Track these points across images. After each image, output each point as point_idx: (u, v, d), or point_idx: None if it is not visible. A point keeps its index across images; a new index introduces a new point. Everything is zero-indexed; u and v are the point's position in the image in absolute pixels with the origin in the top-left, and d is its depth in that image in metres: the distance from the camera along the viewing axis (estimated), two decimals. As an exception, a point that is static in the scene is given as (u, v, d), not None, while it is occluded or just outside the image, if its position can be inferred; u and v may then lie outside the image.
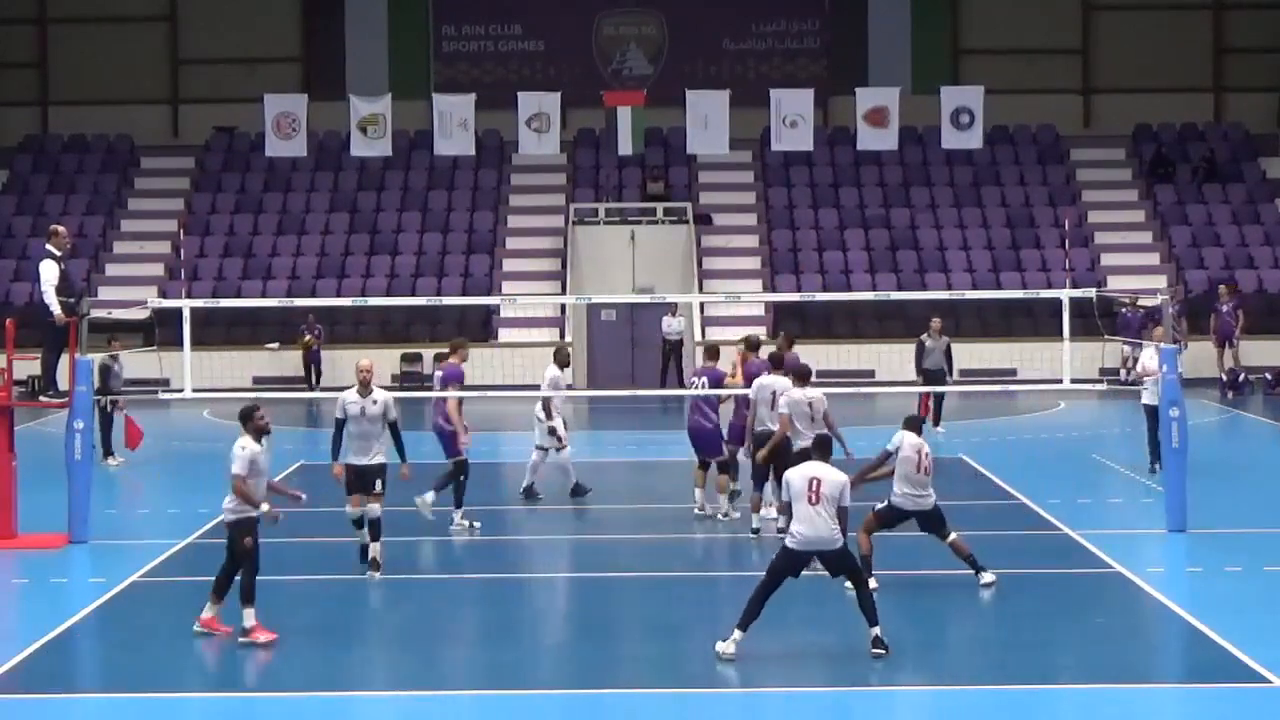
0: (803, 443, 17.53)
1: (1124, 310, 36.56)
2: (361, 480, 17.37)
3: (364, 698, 13.23)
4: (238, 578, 14.71)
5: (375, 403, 17.45)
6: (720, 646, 13.78)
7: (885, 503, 16.47)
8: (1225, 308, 37.03)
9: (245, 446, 14.89)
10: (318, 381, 37.84)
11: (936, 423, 28.32)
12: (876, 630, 13.91)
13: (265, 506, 14.85)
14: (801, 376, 18.76)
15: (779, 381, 18.90)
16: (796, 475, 14.17)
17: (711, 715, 12.90)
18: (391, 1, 47.13)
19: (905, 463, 16.29)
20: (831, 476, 14.12)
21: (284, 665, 14.19)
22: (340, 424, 17.49)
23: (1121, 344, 33.18)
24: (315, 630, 15.27)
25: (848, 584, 14.68)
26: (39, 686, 13.55)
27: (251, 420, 15.06)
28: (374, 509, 17.18)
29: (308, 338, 37.97)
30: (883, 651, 13.80)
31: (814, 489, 13.95)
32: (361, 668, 14.10)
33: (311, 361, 38.03)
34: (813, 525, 13.88)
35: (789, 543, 14.01)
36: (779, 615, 15.04)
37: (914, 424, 16.65)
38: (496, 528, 20.41)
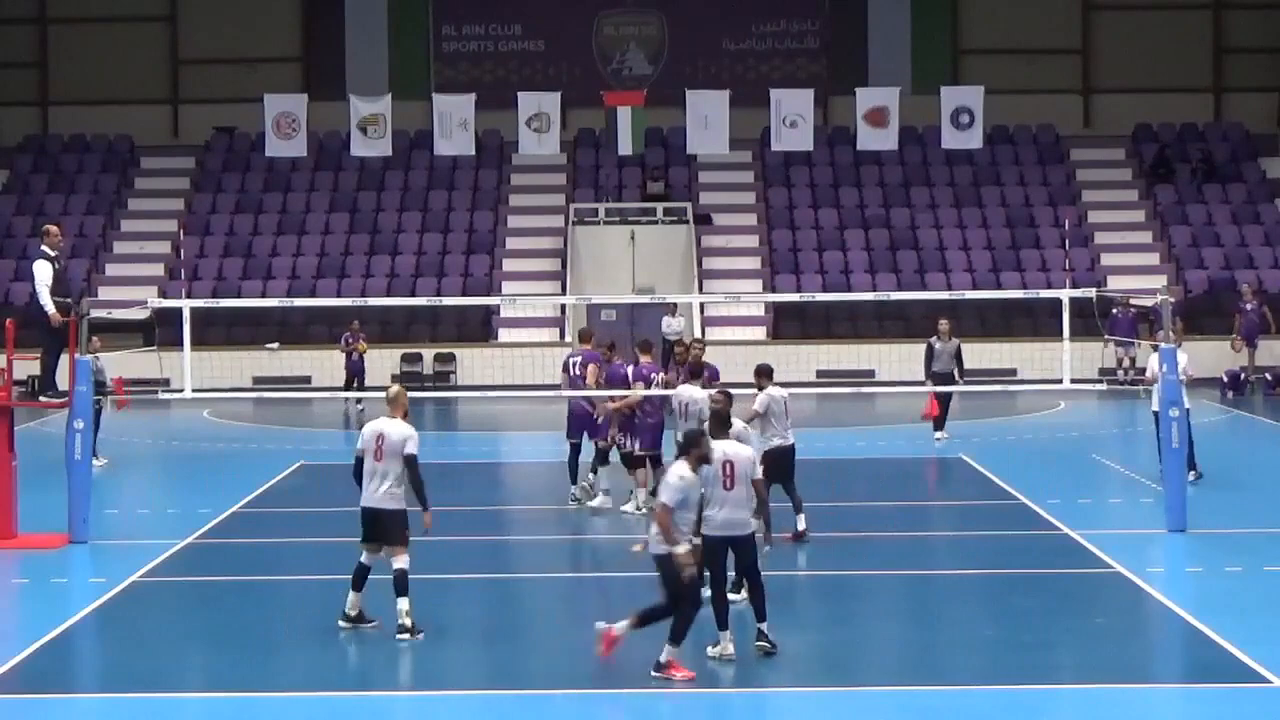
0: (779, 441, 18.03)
1: (1115, 311, 36.55)
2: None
3: (364, 698, 13.23)
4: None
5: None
6: (713, 651, 13.72)
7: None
8: (1249, 307, 36.99)
9: (683, 475, 13.30)
10: (360, 385, 33.04)
11: (940, 427, 28.18)
12: (764, 625, 13.84)
13: (683, 548, 13.15)
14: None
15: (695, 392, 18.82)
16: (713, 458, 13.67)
17: (711, 715, 12.89)
18: (391, 1, 47.13)
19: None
20: (743, 454, 13.93)
21: (284, 665, 14.19)
22: (360, 461, 14.96)
23: (1115, 344, 33.14)
24: (315, 630, 15.26)
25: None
26: (39, 686, 13.54)
27: (697, 447, 13.43)
28: (404, 560, 14.81)
29: (360, 344, 33.49)
30: (769, 647, 13.70)
31: (728, 473, 13.70)
32: (362, 668, 14.09)
33: (354, 373, 33.25)
34: (731, 509, 13.70)
35: (706, 530, 13.68)
36: (780, 615, 15.03)
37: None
38: (496, 528, 20.40)
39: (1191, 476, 22.13)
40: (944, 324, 28.39)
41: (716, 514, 13.69)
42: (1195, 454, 22.22)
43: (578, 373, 21.26)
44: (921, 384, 28.68)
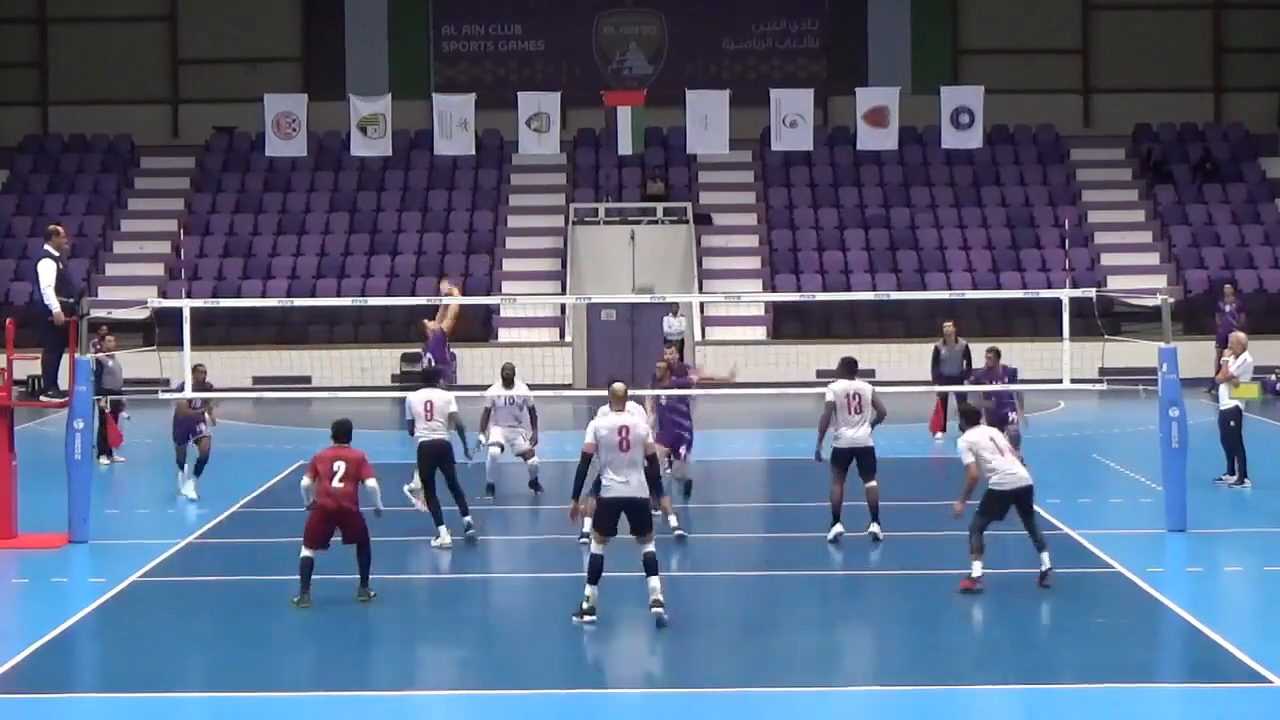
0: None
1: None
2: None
3: (364, 698, 13.23)
4: None
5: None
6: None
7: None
8: (1228, 308, 36.96)
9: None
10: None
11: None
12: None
13: None
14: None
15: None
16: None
17: (712, 715, 12.89)
18: (391, 1, 47.14)
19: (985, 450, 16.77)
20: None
21: (284, 665, 14.20)
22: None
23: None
24: (315, 630, 15.28)
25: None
26: (39, 686, 13.55)
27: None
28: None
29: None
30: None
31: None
32: (362, 668, 14.10)
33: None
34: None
35: None
36: (778, 615, 15.06)
37: (973, 417, 17.23)
38: (494, 528, 20.41)
39: (1248, 485, 22.32)
40: (948, 327, 28.31)
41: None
42: (1247, 462, 22.48)
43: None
44: (927, 384, 28.71)
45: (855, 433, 18.63)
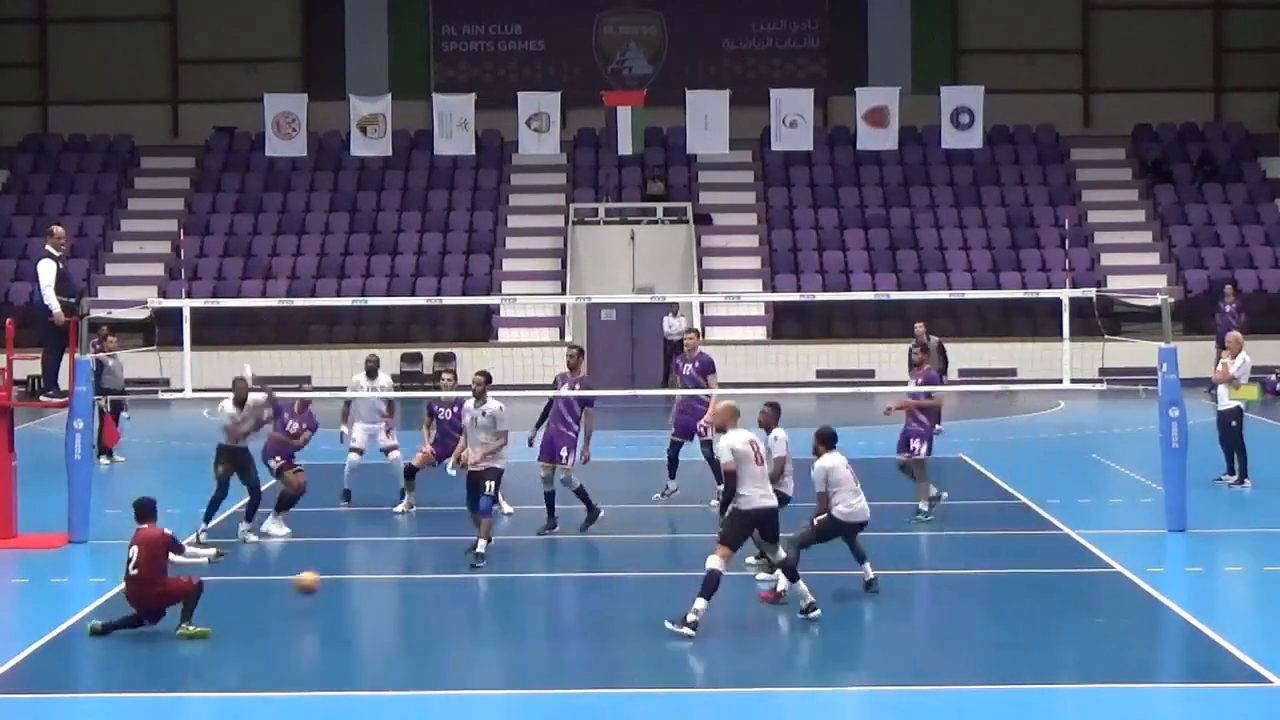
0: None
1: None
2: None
3: (364, 698, 13.23)
4: None
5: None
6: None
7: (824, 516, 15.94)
8: (1228, 308, 36.94)
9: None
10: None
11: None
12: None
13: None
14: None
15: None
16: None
17: (712, 715, 12.89)
18: (391, 1, 47.15)
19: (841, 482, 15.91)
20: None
21: (285, 665, 14.19)
22: None
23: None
24: (315, 630, 15.27)
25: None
26: (39, 686, 13.55)
27: None
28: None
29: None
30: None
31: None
32: (361, 668, 14.09)
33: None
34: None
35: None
36: (778, 615, 15.06)
37: (827, 439, 16.12)
38: (500, 528, 20.39)
39: (1248, 485, 22.31)
40: (919, 327, 28.36)
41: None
42: (1248, 462, 22.48)
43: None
44: (904, 384, 28.63)
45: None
